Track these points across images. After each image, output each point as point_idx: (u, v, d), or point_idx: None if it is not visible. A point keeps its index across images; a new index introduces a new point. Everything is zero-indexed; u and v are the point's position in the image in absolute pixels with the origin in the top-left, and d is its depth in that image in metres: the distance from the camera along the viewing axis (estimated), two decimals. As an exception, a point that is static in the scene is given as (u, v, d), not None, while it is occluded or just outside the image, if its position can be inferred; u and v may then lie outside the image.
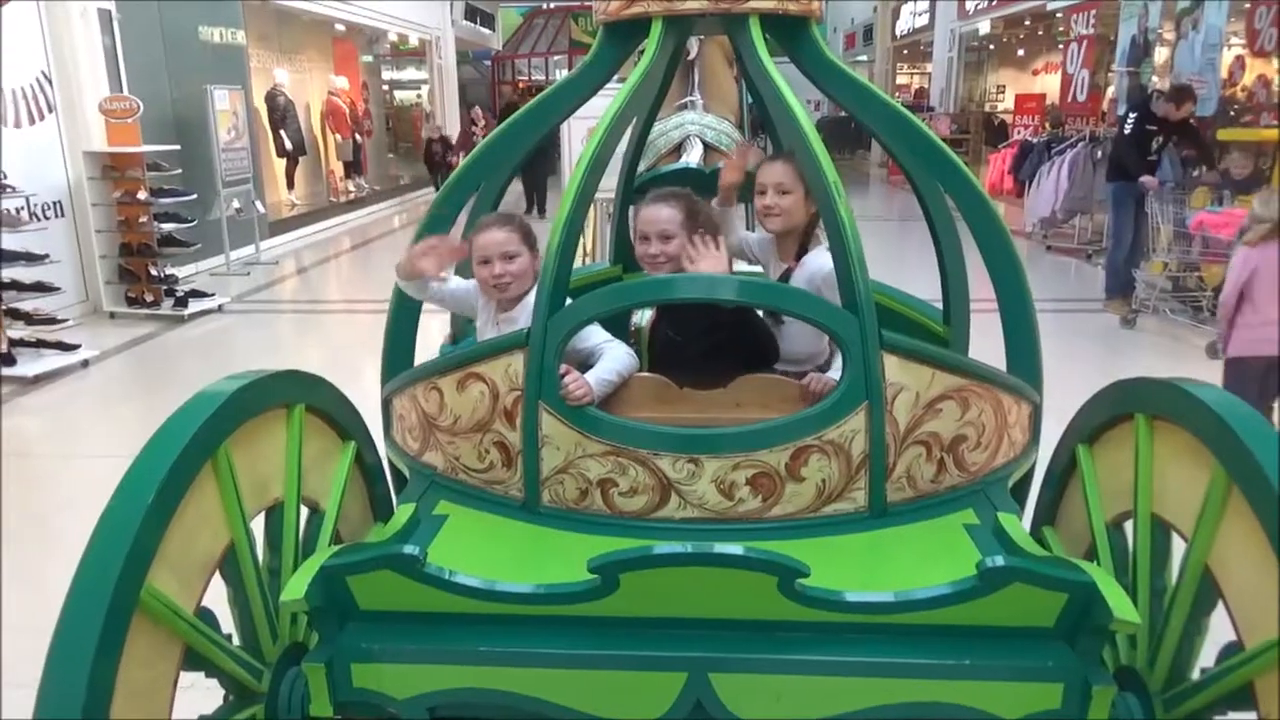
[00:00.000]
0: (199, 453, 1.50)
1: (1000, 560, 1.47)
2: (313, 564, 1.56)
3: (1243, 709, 1.39)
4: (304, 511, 1.89)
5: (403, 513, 1.91)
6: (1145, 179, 7.13)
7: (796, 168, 2.29)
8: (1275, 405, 4.06)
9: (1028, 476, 2.29)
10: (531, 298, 2.09)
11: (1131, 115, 7.59)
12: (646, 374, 2.13)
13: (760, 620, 1.55)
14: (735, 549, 1.48)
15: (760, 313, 2.35)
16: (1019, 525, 1.84)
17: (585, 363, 2.06)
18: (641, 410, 2.02)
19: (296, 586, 1.51)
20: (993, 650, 1.51)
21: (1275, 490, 1.31)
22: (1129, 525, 1.74)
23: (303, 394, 1.89)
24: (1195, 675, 1.53)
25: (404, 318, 2.52)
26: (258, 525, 1.75)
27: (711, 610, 1.55)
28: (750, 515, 1.87)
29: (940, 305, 2.67)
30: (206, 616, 1.53)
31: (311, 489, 1.88)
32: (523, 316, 2.15)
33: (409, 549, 1.53)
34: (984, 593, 1.48)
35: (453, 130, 17.69)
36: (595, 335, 2.11)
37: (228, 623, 1.66)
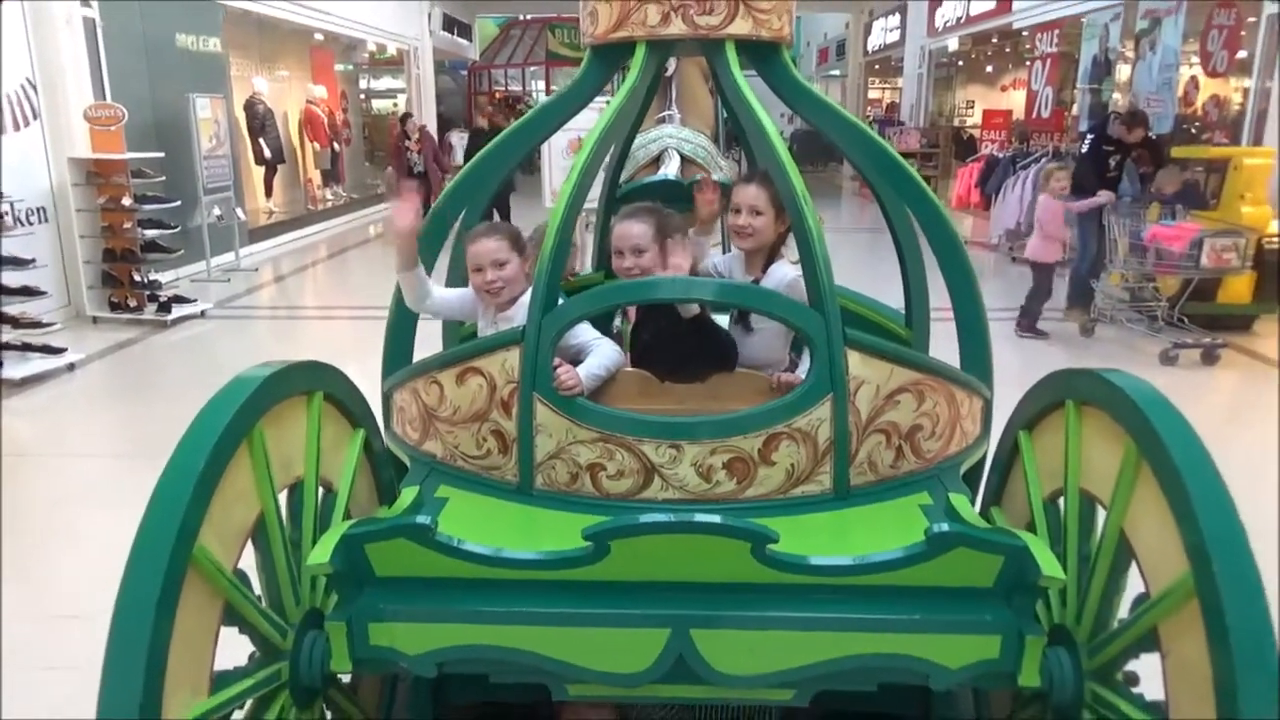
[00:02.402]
0: (239, 429, 1.67)
1: (945, 527, 1.67)
2: (334, 533, 1.73)
3: (1151, 651, 1.60)
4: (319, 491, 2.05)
5: (407, 495, 2.07)
6: (1100, 194, 7.44)
7: (770, 191, 2.47)
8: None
9: (980, 464, 2.50)
10: (527, 298, 2.26)
11: (1089, 136, 7.93)
12: (631, 369, 2.32)
13: (735, 583, 1.73)
14: (713, 518, 1.67)
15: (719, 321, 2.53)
16: (968, 505, 2.04)
17: (576, 358, 2.24)
18: (627, 402, 2.20)
19: (321, 552, 1.68)
20: (940, 607, 1.70)
21: (1173, 461, 1.52)
22: (1062, 501, 1.95)
23: (322, 383, 2.06)
24: (1114, 627, 1.74)
25: (403, 318, 2.68)
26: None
27: (692, 574, 1.73)
28: (727, 496, 2.05)
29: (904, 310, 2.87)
30: (242, 578, 1.70)
31: (327, 470, 2.05)
32: (519, 315, 2.32)
33: (422, 519, 1.71)
34: (931, 556, 1.67)
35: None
36: (585, 333, 2.29)
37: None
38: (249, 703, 1.72)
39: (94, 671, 2.71)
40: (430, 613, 1.74)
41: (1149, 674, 1.68)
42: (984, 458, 2.50)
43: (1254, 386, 6.54)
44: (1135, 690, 1.70)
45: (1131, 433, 1.66)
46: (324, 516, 2.04)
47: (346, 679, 2.11)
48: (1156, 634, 1.57)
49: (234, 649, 1.74)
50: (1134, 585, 1.70)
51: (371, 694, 2.34)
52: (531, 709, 2.46)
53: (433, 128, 18.67)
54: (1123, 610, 1.73)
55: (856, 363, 2.07)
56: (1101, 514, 1.81)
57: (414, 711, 2.40)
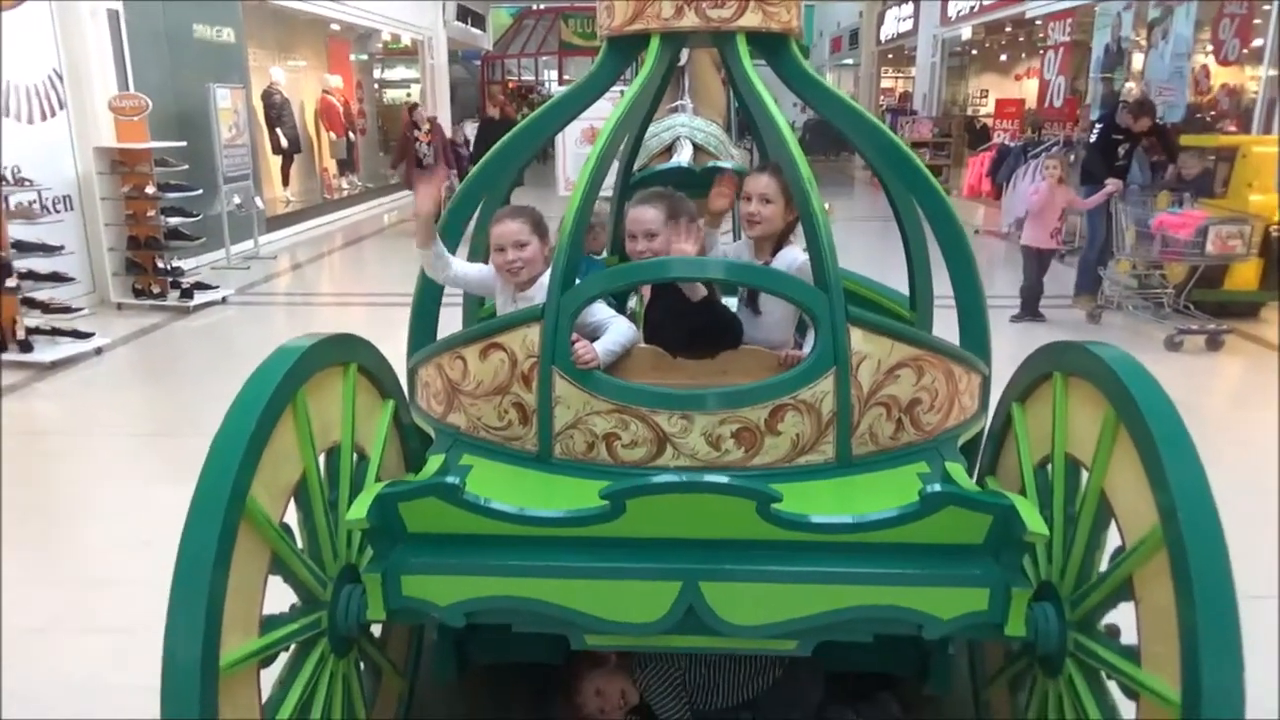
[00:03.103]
0: (285, 394, 1.80)
1: (938, 487, 1.79)
2: (370, 492, 1.87)
3: (1127, 600, 1.73)
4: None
5: (433, 462, 2.21)
6: (1109, 182, 7.50)
7: (780, 181, 2.58)
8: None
9: (979, 438, 2.61)
10: (546, 278, 2.38)
11: (1099, 125, 7.99)
12: (645, 346, 2.44)
13: (742, 540, 1.85)
14: (721, 478, 1.80)
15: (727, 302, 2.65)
16: (963, 472, 2.15)
17: (593, 335, 2.36)
18: (641, 376, 2.32)
19: (359, 509, 1.82)
20: (932, 563, 1.83)
21: (1147, 423, 1.64)
22: (1050, 466, 2.07)
23: (356, 354, 2.19)
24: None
25: (428, 299, 2.82)
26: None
27: (701, 531, 1.86)
28: (734, 464, 2.18)
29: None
30: (286, 531, 1.84)
31: (360, 437, 2.19)
32: (538, 294, 2.45)
33: (451, 479, 1.84)
34: (924, 514, 1.79)
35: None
36: (601, 311, 2.42)
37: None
38: (293, 648, 1.86)
39: (130, 634, 2.91)
40: (459, 566, 1.87)
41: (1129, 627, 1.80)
42: (983, 431, 2.61)
43: (1258, 371, 6.61)
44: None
45: (1111, 399, 1.78)
46: (357, 481, 2.18)
47: (378, 633, 2.26)
48: (1131, 584, 1.69)
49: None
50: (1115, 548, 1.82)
51: (399, 651, 2.48)
52: (551, 678, 2.60)
53: (446, 117, 18.86)
54: (1103, 567, 1.85)
55: (859, 339, 2.19)
56: (1085, 477, 1.93)
57: (439, 670, 2.54)
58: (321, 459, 2.04)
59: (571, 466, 2.23)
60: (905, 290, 3.03)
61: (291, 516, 1.95)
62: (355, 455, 2.19)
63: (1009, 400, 2.35)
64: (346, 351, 2.16)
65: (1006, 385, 2.38)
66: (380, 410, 2.35)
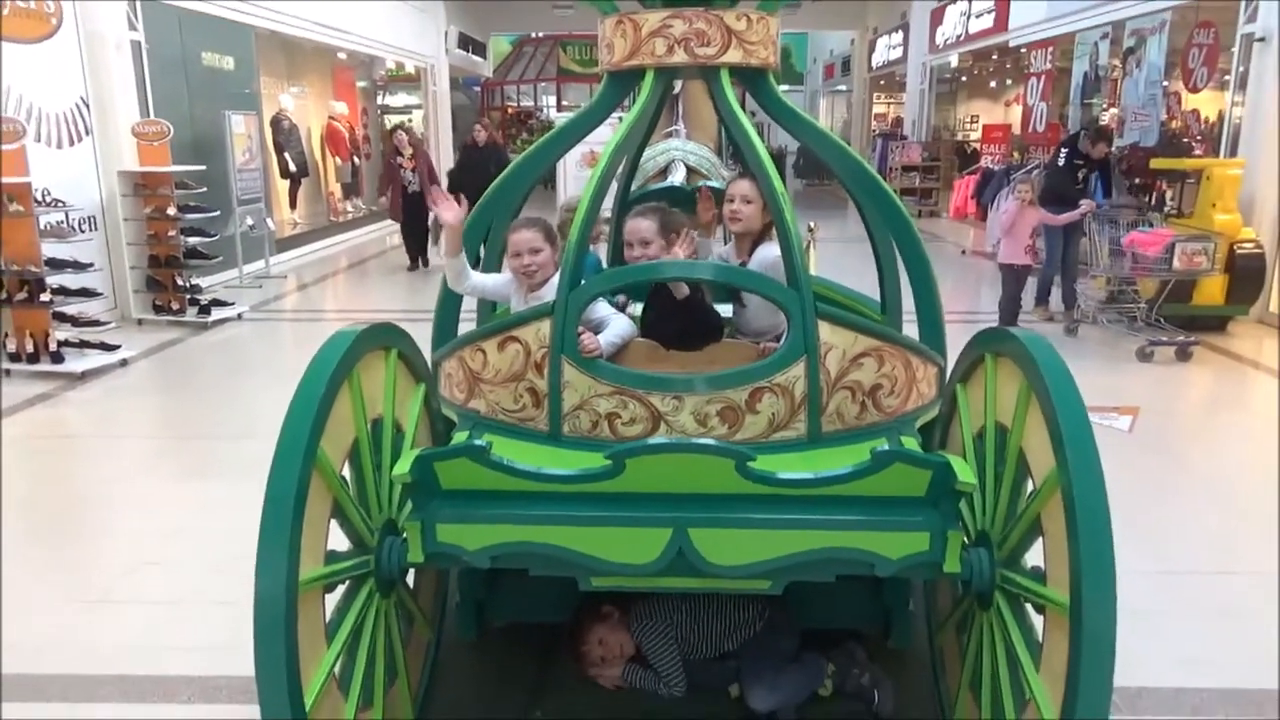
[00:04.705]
0: (345, 367, 2.16)
1: (886, 447, 2.15)
2: (410, 454, 2.22)
3: (1039, 536, 2.08)
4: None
5: (459, 436, 2.56)
6: (1082, 203, 7.93)
7: (757, 185, 2.97)
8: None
9: (934, 423, 2.97)
10: (555, 279, 2.75)
11: (1064, 150, 8.46)
12: (642, 339, 2.80)
13: (724, 494, 2.20)
14: (707, 441, 2.16)
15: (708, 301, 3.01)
16: (914, 443, 2.51)
17: (596, 329, 2.72)
18: (638, 365, 2.68)
19: (403, 466, 2.17)
20: (883, 512, 2.17)
21: (1045, 384, 2.00)
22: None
23: (396, 341, 2.55)
24: (1016, 522, 2.22)
25: (450, 302, 3.18)
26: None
27: (689, 486, 2.20)
28: (719, 439, 2.52)
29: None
30: (345, 484, 2.19)
31: (398, 413, 2.54)
32: (548, 294, 2.81)
33: (480, 442, 2.20)
34: (875, 471, 2.14)
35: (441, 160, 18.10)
36: (603, 308, 2.78)
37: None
38: (346, 584, 2.21)
39: (175, 605, 3.35)
40: (486, 516, 2.22)
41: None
42: (939, 415, 2.97)
43: (1224, 381, 7.00)
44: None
45: (1024, 372, 2.14)
46: (395, 449, 2.53)
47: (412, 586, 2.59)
48: (1040, 520, 2.05)
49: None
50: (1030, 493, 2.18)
51: (428, 603, 2.83)
52: (558, 636, 2.94)
53: (448, 141, 19.31)
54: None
55: (826, 331, 2.54)
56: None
57: (462, 628, 2.89)
58: (368, 428, 2.40)
59: (578, 442, 2.56)
60: (907, 309, 3.37)
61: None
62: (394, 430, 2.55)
63: (953, 382, 2.71)
64: (389, 338, 2.52)
65: (950, 371, 2.74)
66: (414, 392, 2.71)
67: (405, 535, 2.27)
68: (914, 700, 2.81)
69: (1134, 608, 3.29)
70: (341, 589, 2.26)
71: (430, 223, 10.98)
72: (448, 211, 2.85)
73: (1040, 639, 2.09)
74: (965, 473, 2.10)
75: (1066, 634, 1.84)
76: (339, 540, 2.26)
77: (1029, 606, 2.17)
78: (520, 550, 2.24)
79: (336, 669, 2.12)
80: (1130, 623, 3.19)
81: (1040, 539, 2.10)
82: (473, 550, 2.23)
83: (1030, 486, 2.16)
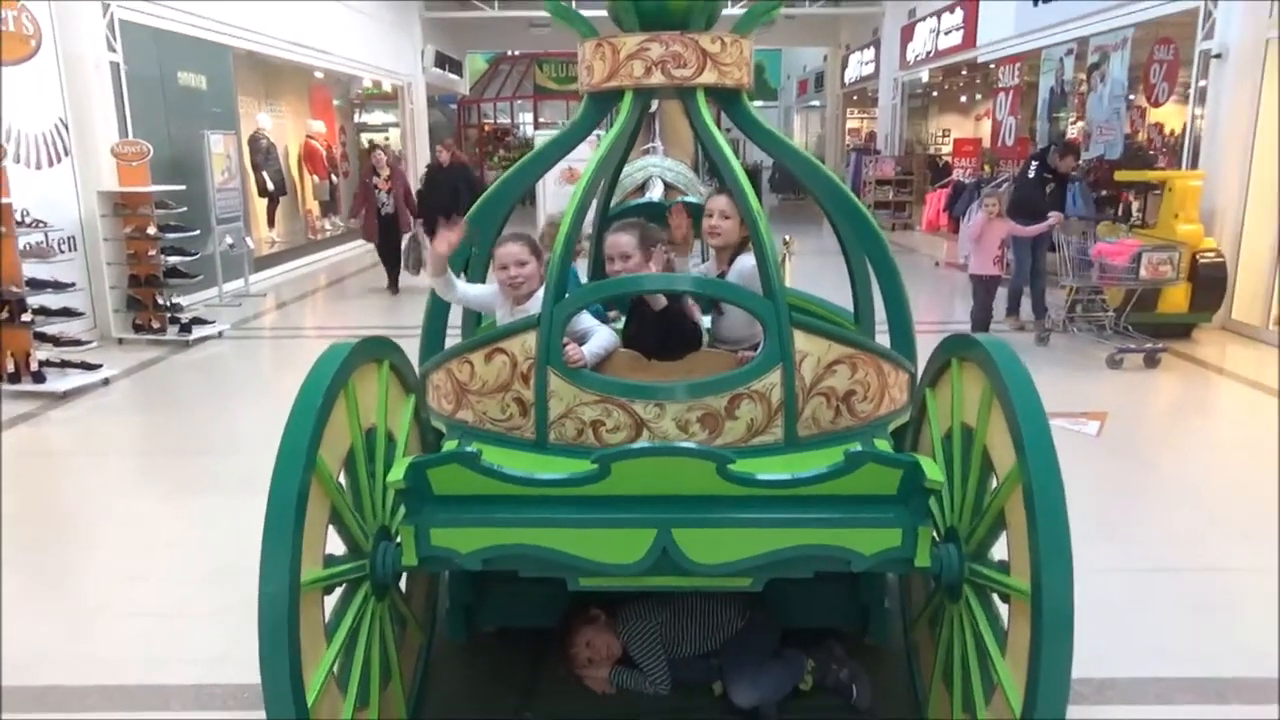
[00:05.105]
0: (341, 378, 2.25)
1: (859, 448, 2.26)
2: (404, 461, 2.30)
3: (1003, 529, 2.20)
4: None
5: (449, 445, 2.65)
6: (1051, 215, 8.13)
7: (735, 201, 3.09)
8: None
9: (906, 427, 3.09)
10: (540, 292, 2.85)
11: (1033, 164, 8.67)
12: (624, 350, 2.90)
13: (705, 495, 2.30)
14: (689, 444, 2.26)
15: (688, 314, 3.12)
16: (887, 445, 2.63)
17: (581, 341, 2.82)
18: (621, 374, 2.78)
19: (396, 472, 2.25)
20: (857, 509, 2.27)
21: (1006, 386, 2.12)
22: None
23: (388, 354, 2.64)
24: (982, 518, 2.34)
25: (437, 314, 3.27)
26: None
27: (672, 488, 2.29)
28: (700, 444, 2.63)
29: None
30: (341, 490, 2.27)
31: (389, 423, 2.63)
32: (533, 306, 2.91)
33: (470, 449, 2.29)
34: (849, 471, 2.25)
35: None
36: (587, 320, 2.88)
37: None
38: (343, 587, 2.29)
39: (169, 618, 3.43)
40: (477, 520, 2.30)
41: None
42: (910, 420, 3.09)
43: (1190, 387, 7.19)
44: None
45: (986, 373, 2.27)
46: (388, 458, 2.62)
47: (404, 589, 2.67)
48: (1003, 514, 2.17)
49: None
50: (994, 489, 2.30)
51: (419, 608, 2.91)
52: (547, 640, 3.02)
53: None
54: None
55: (801, 339, 2.64)
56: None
57: (452, 630, 2.97)
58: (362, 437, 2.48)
59: (564, 449, 2.66)
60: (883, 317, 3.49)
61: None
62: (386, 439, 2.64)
63: (922, 387, 2.83)
64: (381, 351, 2.61)
65: (920, 378, 2.86)
66: (404, 403, 2.80)
67: (399, 540, 2.35)
68: (891, 694, 2.92)
69: (1101, 603, 3.47)
70: (338, 593, 2.34)
71: (405, 247, 10.88)
72: (443, 244, 2.94)
73: (1006, 627, 2.21)
74: (934, 471, 2.21)
75: (1029, 618, 1.96)
76: (335, 547, 2.34)
77: (995, 597, 2.29)
78: (511, 552, 2.32)
79: (335, 668, 2.20)
80: (1097, 617, 3.36)
81: (1005, 534, 2.22)
82: (465, 553, 2.32)
83: (994, 483, 2.28)
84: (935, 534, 2.41)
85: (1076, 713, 2.84)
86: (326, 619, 2.26)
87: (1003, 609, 2.30)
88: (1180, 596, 3.69)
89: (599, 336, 2.83)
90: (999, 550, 2.31)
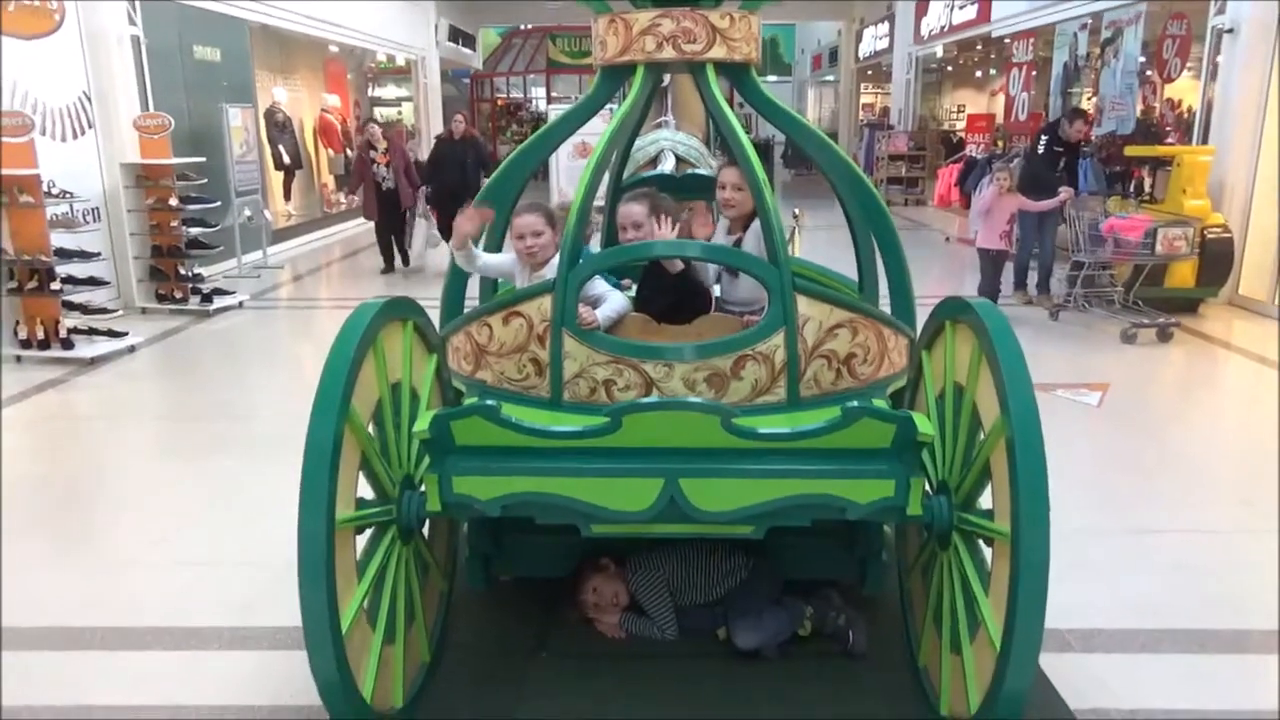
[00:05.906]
0: (371, 334, 2.40)
1: (855, 404, 2.40)
2: (428, 414, 2.46)
3: (989, 481, 2.35)
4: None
5: (468, 402, 2.80)
6: (1062, 190, 8.17)
7: (743, 173, 3.21)
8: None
9: (904, 390, 3.22)
10: (556, 259, 2.98)
11: (1044, 137, 8.71)
12: (636, 313, 3.04)
13: (710, 447, 2.45)
14: (695, 399, 2.40)
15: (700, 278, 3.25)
16: (884, 404, 2.77)
17: (594, 305, 2.96)
18: (633, 336, 2.92)
19: (422, 423, 2.41)
20: (853, 461, 2.42)
21: (993, 343, 2.26)
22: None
23: (412, 313, 2.80)
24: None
25: (456, 281, 3.42)
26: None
27: (680, 440, 2.44)
28: None
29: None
30: (371, 438, 2.43)
31: (413, 380, 2.79)
32: (549, 272, 3.05)
33: (490, 402, 2.44)
34: (845, 425, 2.39)
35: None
36: (600, 285, 3.02)
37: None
38: (372, 530, 2.46)
39: (212, 565, 3.61)
40: (496, 469, 2.46)
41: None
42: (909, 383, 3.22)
43: (1200, 361, 7.31)
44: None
45: (975, 335, 2.40)
46: (412, 413, 2.78)
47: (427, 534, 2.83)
48: (988, 465, 2.31)
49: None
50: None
51: (441, 555, 3.08)
52: (560, 589, 3.18)
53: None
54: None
55: (804, 304, 2.77)
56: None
57: (471, 579, 3.14)
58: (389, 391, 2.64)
59: (577, 407, 2.81)
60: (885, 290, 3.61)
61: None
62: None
63: (918, 349, 2.97)
64: (406, 310, 2.76)
65: (916, 340, 3.00)
66: (427, 361, 2.96)
67: (424, 488, 2.51)
68: (885, 639, 3.08)
69: (1092, 561, 3.62)
70: (367, 535, 2.51)
71: (423, 235, 10.73)
72: (468, 224, 3.08)
73: (990, 570, 2.36)
74: (925, 425, 2.36)
75: (1009, 559, 2.11)
76: (364, 495, 2.51)
77: (981, 544, 2.44)
78: (528, 499, 2.48)
79: (365, 604, 2.37)
80: (1088, 573, 3.50)
81: (990, 484, 2.36)
82: (485, 500, 2.48)
83: (982, 437, 2.42)
84: (928, 486, 2.55)
85: (1065, 661, 3.00)
86: (357, 559, 2.43)
87: (988, 554, 2.45)
88: (1170, 556, 3.82)
89: (612, 300, 2.97)
90: (986, 503, 2.46)
